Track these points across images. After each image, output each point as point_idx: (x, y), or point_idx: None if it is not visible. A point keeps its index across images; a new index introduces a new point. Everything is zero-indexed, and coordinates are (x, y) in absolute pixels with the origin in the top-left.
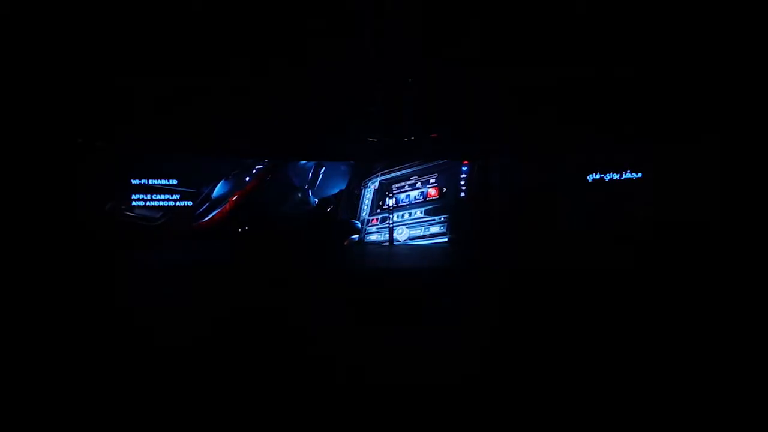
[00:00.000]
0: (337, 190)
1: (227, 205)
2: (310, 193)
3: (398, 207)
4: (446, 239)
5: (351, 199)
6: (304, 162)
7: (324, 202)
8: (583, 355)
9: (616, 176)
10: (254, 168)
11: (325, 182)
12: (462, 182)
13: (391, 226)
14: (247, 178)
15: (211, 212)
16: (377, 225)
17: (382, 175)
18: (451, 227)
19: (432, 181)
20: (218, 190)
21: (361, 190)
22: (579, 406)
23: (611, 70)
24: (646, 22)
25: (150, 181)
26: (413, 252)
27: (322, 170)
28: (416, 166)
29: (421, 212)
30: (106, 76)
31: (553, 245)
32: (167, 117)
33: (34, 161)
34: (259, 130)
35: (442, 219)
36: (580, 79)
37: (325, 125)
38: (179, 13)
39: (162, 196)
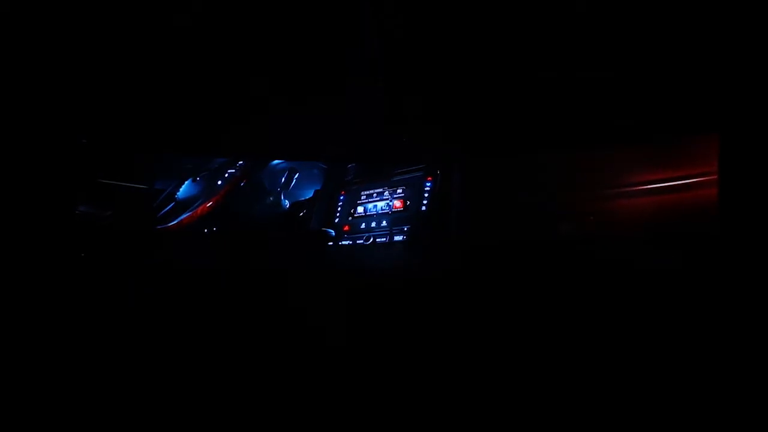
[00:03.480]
0: (311, 194)
1: (198, 210)
2: (283, 197)
3: (366, 215)
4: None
5: (325, 204)
6: (276, 163)
7: (297, 206)
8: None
9: None
10: (226, 171)
11: (298, 186)
12: (426, 195)
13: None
14: (220, 182)
15: (178, 216)
16: (348, 232)
17: (356, 183)
18: (411, 238)
19: (399, 192)
20: (185, 191)
21: (336, 195)
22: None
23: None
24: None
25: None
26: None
27: (296, 175)
28: (389, 177)
29: (387, 222)
30: (100, 75)
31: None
32: (162, 116)
33: (30, 161)
34: (257, 130)
35: (405, 229)
36: (574, 78)
37: (325, 125)
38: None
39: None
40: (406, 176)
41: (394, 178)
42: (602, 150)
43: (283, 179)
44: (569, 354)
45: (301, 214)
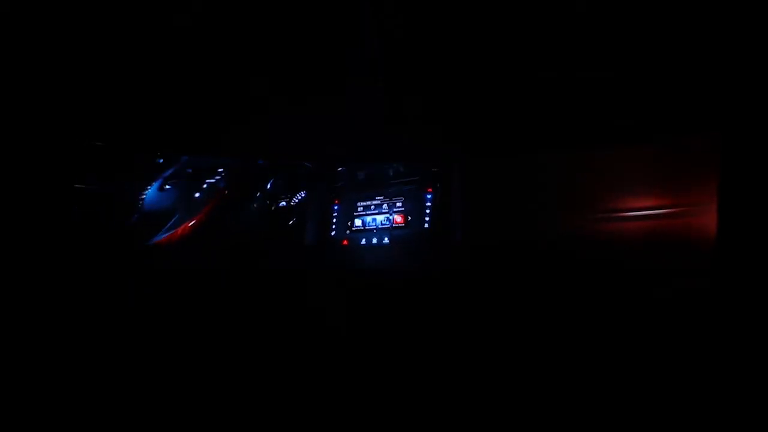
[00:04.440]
0: (298, 200)
1: (179, 230)
2: (269, 203)
3: (365, 230)
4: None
5: (317, 214)
6: (260, 162)
7: (286, 213)
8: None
9: None
10: (204, 181)
11: (284, 189)
12: (427, 209)
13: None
14: (198, 194)
15: (153, 235)
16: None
17: (350, 192)
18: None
19: (399, 205)
20: (152, 200)
21: (329, 205)
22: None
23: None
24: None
25: None
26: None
27: (281, 181)
28: (384, 186)
29: (387, 239)
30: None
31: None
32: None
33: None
34: (257, 130)
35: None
36: (570, 79)
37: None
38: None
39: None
40: (405, 187)
41: (391, 189)
42: (602, 150)
43: (269, 186)
44: (569, 355)
45: (291, 222)
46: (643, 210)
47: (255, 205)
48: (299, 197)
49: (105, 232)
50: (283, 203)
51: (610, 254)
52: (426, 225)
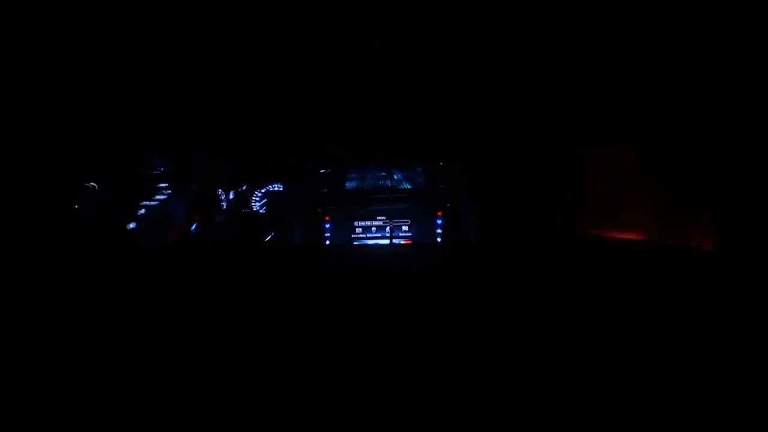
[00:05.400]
0: (261, 194)
1: (175, 234)
2: (243, 211)
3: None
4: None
5: (308, 222)
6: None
7: (269, 220)
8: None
9: None
10: (156, 194)
11: (261, 196)
12: (438, 239)
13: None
14: (144, 211)
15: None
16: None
17: (345, 205)
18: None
19: (405, 228)
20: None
21: (319, 221)
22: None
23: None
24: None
25: None
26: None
27: (257, 187)
28: (385, 203)
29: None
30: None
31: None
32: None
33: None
34: (257, 130)
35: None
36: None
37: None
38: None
39: None
40: (406, 205)
41: (393, 207)
42: (602, 150)
43: (243, 188)
44: (569, 354)
45: (269, 237)
46: (643, 210)
47: (222, 216)
48: (264, 191)
49: (105, 232)
50: (243, 187)
51: (609, 254)
52: (438, 256)
